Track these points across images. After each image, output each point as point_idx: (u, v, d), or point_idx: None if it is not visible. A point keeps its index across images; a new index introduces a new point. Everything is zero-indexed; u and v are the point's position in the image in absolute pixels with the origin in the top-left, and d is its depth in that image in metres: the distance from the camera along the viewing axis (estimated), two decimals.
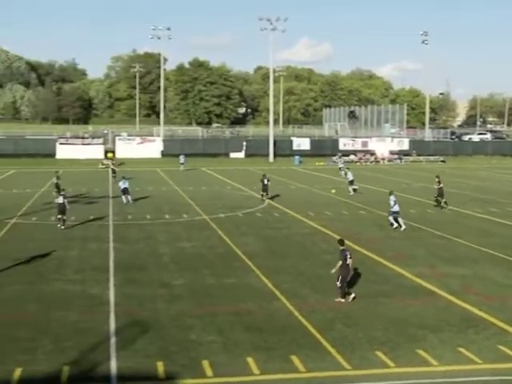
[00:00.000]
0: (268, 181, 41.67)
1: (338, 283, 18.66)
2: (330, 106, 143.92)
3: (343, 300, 18.66)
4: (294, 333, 16.02)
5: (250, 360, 14.25)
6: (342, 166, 61.91)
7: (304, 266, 23.20)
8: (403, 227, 30.98)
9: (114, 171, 52.11)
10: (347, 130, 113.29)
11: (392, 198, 31.74)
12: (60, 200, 31.45)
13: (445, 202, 38.15)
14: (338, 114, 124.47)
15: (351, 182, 46.17)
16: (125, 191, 39.91)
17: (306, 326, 16.53)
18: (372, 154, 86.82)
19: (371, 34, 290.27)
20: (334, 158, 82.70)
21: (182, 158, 68.21)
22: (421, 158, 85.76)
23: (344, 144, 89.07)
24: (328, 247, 26.68)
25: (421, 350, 14.91)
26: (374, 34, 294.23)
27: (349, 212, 37.05)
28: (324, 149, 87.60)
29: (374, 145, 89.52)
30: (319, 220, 33.85)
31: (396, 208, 31.61)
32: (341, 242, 19.32)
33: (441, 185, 38.07)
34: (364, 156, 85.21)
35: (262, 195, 41.49)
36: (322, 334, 15.96)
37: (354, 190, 45.88)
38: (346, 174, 48.78)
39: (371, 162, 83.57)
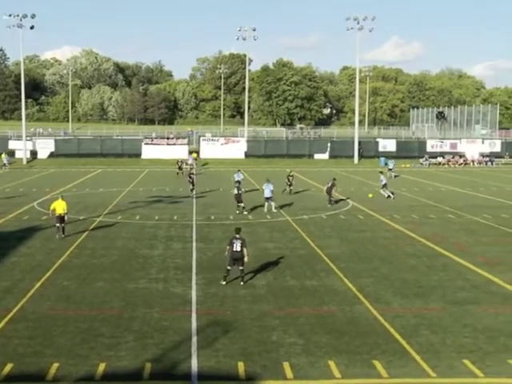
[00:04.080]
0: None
1: (226, 265, 20.87)
2: (417, 107, 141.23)
3: (224, 282, 20.60)
4: (376, 337, 15.79)
5: (331, 363, 14.12)
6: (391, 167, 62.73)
7: (388, 270, 22.85)
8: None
9: (180, 168, 62.30)
10: (435, 131, 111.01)
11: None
12: (235, 191, 36.75)
13: None
14: (426, 114, 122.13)
15: (384, 186, 44.69)
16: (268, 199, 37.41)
17: (389, 331, 16.26)
18: (461, 156, 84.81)
19: (463, 32, 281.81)
20: (421, 160, 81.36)
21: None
22: None
23: (432, 146, 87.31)
24: (414, 251, 26.21)
25: None
26: (466, 32, 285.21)
27: (436, 216, 36.24)
28: (411, 150, 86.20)
29: (464, 147, 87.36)
30: (405, 223, 33.28)
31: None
32: (236, 231, 21.08)
33: None
34: (453, 158, 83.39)
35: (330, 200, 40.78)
36: (406, 339, 15.64)
37: (389, 195, 44.26)
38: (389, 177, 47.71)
39: (460, 165, 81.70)
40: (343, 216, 36.08)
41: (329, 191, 40.82)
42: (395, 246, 27.46)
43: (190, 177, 45.67)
